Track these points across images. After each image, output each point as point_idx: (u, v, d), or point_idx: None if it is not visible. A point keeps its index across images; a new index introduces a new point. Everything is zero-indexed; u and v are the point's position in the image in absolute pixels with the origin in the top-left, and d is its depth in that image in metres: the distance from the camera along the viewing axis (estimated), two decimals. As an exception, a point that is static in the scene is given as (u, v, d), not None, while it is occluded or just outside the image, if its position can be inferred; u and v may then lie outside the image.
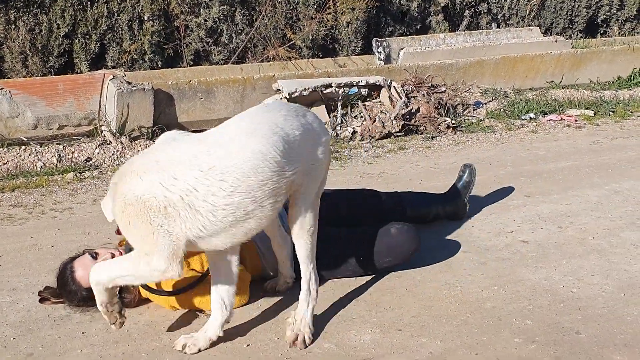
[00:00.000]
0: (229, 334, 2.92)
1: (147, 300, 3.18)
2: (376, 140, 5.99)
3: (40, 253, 3.74)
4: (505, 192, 4.68)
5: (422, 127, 6.21)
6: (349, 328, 3.00)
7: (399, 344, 2.90)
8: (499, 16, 9.01)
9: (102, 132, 5.57)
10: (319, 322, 3.02)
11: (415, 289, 3.34)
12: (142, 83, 5.68)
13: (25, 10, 6.23)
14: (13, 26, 6.21)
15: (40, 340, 2.88)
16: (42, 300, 3.15)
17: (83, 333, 2.93)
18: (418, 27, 8.33)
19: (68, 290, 3.05)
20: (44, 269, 3.49)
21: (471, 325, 3.04)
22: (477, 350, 2.86)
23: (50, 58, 6.39)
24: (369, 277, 3.42)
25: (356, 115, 6.29)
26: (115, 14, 6.54)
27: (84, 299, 3.01)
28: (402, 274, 3.47)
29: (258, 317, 3.08)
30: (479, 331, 2.99)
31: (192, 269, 3.17)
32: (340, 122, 6.19)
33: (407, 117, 6.20)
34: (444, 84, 6.85)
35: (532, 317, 3.11)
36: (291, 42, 7.28)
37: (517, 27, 8.71)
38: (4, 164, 5.09)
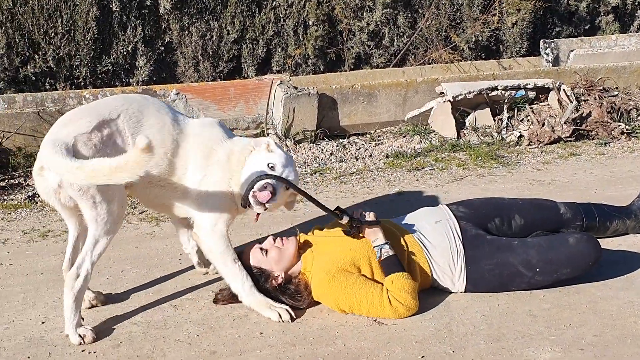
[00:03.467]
0: (404, 343, 2.90)
1: (318, 303, 3.22)
2: (544, 145, 5.76)
3: (216, 252, 3.86)
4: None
5: (593, 133, 5.92)
6: (527, 345, 2.89)
7: (582, 364, 2.76)
8: (673, 16, 8.43)
9: (268, 134, 5.73)
10: (495, 337, 2.94)
11: (596, 306, 3.17)
12: (307, 87, 5.79)
13: (198, 17, 6.52)
14: (187, 32, 6.52)
15: (221, 339, 2.98)
16: (217, 301, 3.29)
17: (261, 334, 3.01)
18: (586, 27, 7.98)
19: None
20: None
21: (660, 348, 2.85)
22: (669, 377, 2.68)
23: (219, 63, 6.66)
24: (545, 291, 3.29)
25: (522, 119, 6.10)
26: (282, 19, 6.71)
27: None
28: (580, 289, 3.31)
29: (431, 328, 3.03)
30: (668, 355, 2.80)
31: (363, 274, 3.17)
32: (505, 125, 6.03)
33: (578, 121, 5.92)
34: (616, 88, 6.50)
35: None
36: (453, 44, 7.17)
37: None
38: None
